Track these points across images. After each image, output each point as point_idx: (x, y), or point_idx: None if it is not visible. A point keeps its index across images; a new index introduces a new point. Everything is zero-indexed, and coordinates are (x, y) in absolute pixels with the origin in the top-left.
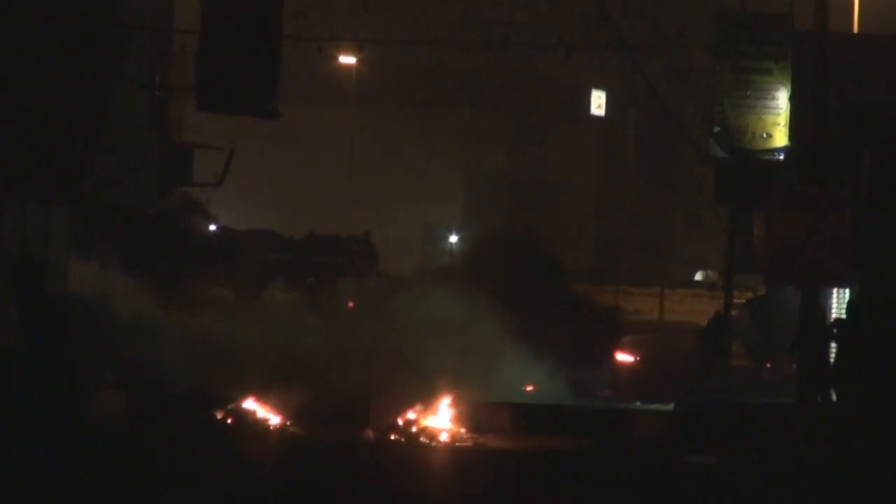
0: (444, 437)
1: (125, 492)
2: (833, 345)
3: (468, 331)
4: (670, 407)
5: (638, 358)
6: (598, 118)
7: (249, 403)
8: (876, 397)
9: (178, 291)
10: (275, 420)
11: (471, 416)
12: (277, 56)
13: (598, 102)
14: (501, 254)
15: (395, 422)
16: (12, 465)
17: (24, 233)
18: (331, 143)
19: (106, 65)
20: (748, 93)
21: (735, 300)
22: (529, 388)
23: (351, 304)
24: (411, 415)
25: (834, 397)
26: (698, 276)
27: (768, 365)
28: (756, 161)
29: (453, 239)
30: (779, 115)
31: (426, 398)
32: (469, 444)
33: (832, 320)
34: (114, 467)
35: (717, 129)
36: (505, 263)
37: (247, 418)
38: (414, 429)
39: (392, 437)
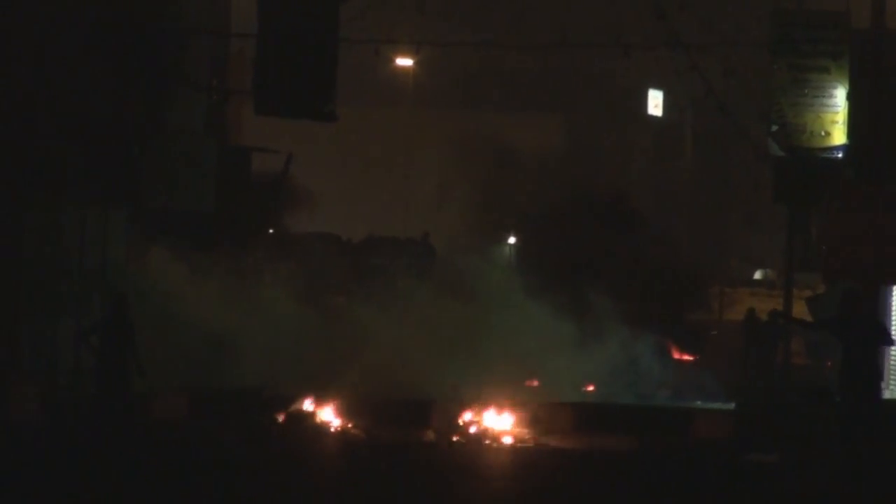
0: (505, 438)
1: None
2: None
3: (530, 331)
4: (731, 406)
5: (698, 356)
6: (655, 118)
7: (310, 405)
8: None
9: (241, 293)
10: (336, 422)
11: (532, 416)
12: (334, 59)
13: (654, 102)
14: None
15: (457, 423)
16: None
17: (82, 237)
18: (388, 145)
19: (163, 69)
20: (806, 91)
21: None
22: (590, 388)
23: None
24: (472, 416)
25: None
26: (758, 275)
27: (829, 364)
28: (814, 159)
29: (511, 240)
30: (837, 112)
31: (487, 399)
32: (531, 444)
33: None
34: (176, 469)
35: (774, 127)
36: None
37: (308, 420)
38: (475, 430)
39: (454, 439)
